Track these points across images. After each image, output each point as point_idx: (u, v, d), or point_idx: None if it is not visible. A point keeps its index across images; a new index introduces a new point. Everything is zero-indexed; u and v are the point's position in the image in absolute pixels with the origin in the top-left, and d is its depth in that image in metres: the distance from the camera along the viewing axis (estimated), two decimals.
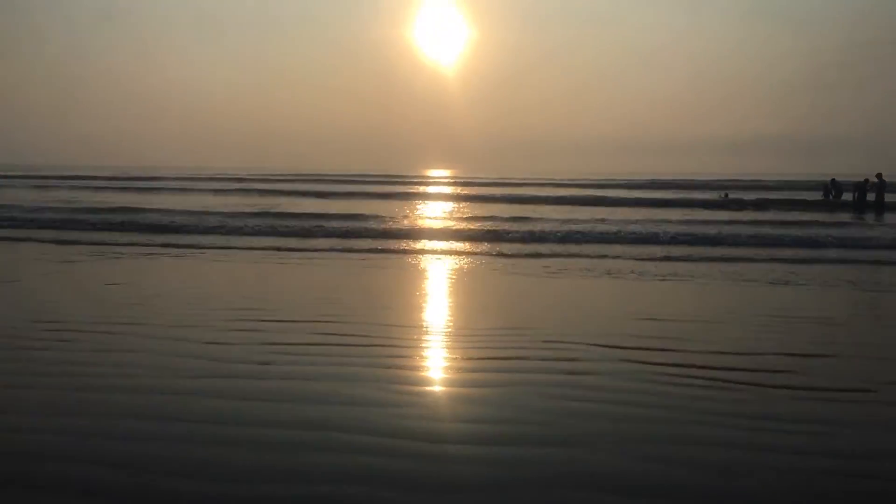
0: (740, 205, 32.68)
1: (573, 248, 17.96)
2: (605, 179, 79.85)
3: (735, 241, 18.93)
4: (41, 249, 17.16)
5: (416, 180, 79.59)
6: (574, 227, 21.75)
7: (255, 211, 27.68)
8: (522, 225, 22.63)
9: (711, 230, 20.73)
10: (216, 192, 43.78)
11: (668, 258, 16.26)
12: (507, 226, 22.25)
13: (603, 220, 23.17)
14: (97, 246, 17.81)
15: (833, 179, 39.21)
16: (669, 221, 23.49)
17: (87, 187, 50.01)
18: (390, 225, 23.04)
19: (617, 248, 18.00)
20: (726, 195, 47.80)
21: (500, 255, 16.87)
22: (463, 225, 23.65)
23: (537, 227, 22.09)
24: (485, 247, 18.29)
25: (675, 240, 19.24)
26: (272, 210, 27.96)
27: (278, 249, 17.46)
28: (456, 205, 36.54)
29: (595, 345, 7.82)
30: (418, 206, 35.04)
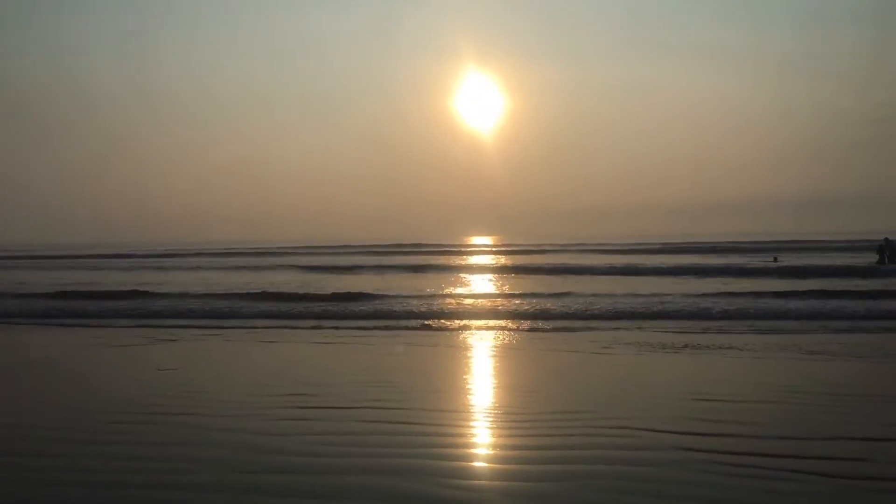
0: (793, 272, 31.53)
1: (621, 322, 17.75)
2: (650, 243, 79.28)
3: (789, 313, 18.33)
4: (95, 333, 17.50)
5: (457, 249, 79.89)
6: (620, 300, 21.52)
7: (299, 292, 27.94)
8: (567, 300, 22.47)
9: (764, 302, 20.19)
10: (255, 269, 44.23)
11: (720, 330, 15.96)
12: (550, 301, 22.10)
13: (654, 295, 22.71)
14: (150, 329, 18.08)
15: (886, 238, 38.31)
16: (717, 294, 22.98)
17: (141, 267, 51.15)
18: (432, 300, 23.05)
19: (666, 321, 17.75)
20: (776, 259, 47.17)
21: (546, 329, 16.74)
22: (507, 298, 23.58)
23: (579, 301, 21.94)
24: (530, 321, 18.17)
25: (726, 312, 18.76)
26: (319, 291, 28.16)
27: (319, 328, 17.57)
28: (499, 276, 36.52)
29: (649, 430, 7.64)
30: (460, 279, 35.06)
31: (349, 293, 23.62)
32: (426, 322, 18.20)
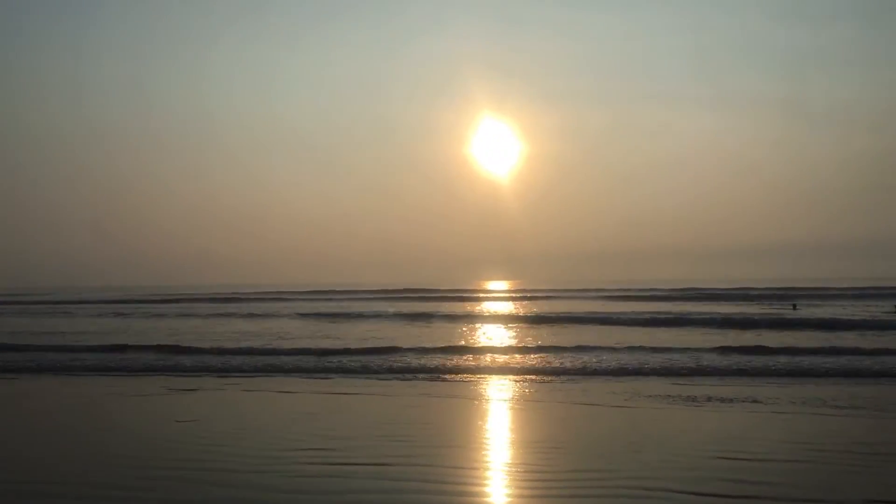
0: (816, 324, 30.57)
1: (641, 373, 17.59)
2: (670, 289, 78.77)
3: (812, 366, 17.93)
4: (115, 382, 17.54)
5: (474, 295, 79.75)
6: (641, 353, 21.38)
7: (324, 347, 27.96)
8: (586, 350, 22.33)
9: (786, 355, 19.84)
10: (267, 315, 44.09)
11: (742, 383, 15.79)
12: (568, 352, 21.97)
13: (675, 346, 22.39)
14: (170, 377, 18.10)
15: None
16: (739, 347, 22.66)
17: (168, 313, 51.35)
18: (449, 349, 22.97)
19: (688, 374, 17.58)
20: (795, 307, 46.78)
21: (565, 380, 16.61)
22: (525, 347, 23.48)
23: (598, 352, 21.81)
24: (548, 372, 18.04)
25: (748, 364, 18.51)
26: (338, 347, 28.18)
27: (327, 377, 17.54)
28: (516, 324, 36.36)
29: (671, 490, 7.54)
30: (477, 327, 34.93)
31: (374, 348, 23.42)
32: (443, 374, 18.10)
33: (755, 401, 13.48)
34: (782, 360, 18.92)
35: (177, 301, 69.53)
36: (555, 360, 19.70)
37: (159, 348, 23.92)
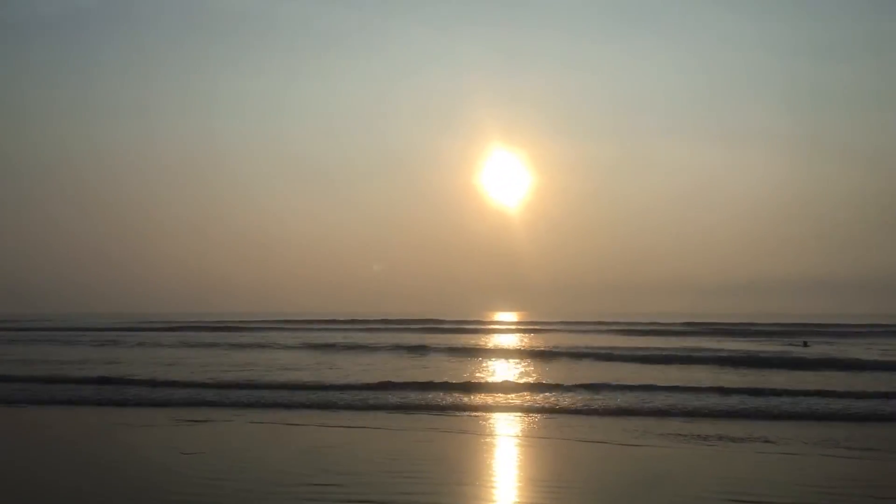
0: (828, 363, 29.71)
1: (652, 410, 17.42)
2: (679, 323, 78.38)
3: (822, 408, 17.55)
4: (121, 414, 17.50)
5: (483, 327, 79.50)
6: (651, 392, 21.20)
7: (331, 381, 27.87)
8: (596, 387, 22.18)
9: (798, 396, 19.46)
10: (274, 346, 43.69)
11: (753, 422, 15.63)
12: (579, 389, 21.79)
13: (684, 385, 22.04)
14: (177, 409, 18.04)
15: None
16: (749, 388, 22.31)
17: (174, 342, 51.37)
18: (457, 383, 22.83)
19: (698, 415, 17.40)
20: (806, 343, 46.42)
21: (574, 416, 16.47)
22: (534, 382, 23.34)
23: (608, 388, 21.66)
24: (557, 407, 17.88)
25: (758, 404, 18.25)
26: (348, 381, 28.11)
27: (335, 411, 17.45)
28: (525, 358, 36.14)
29: None
30: (486, 360, 34.73)
31: (382, 382, 23.18)
32: (449, 409, 17.96)
33: (766, 440, 13.32)
34: (793, 400, 18.66)
35: (181, 329, 69.51)
36: (562, 397, 19.54)
37: (153, 383, 23.46)
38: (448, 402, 18.89)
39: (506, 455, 12.54)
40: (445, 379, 23.39)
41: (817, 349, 41.47)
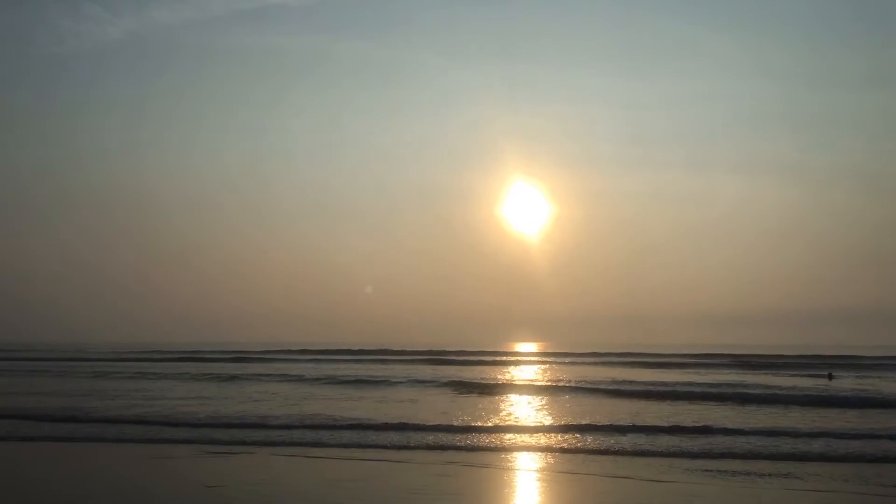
0: (856, 401, 28.22)
1: (675, 448, 17.20)
2: (702, 354, 77.50)
3: (854, 454, 16.89)
4: (144, 447, 17.54)
5: (503, 359, 79.05)
6: (677, 436, 20.88)
7: (359, 417, 27.79)
8: (621, 423, 21.91)
9: (823, 441, 18.87)
10: (299, 380, 43.26)
11: (782, 462, 15.37)
12: (602, 425, 21.54)
13: (708, 425, 21.53)
14: (196, 444, 18.06)
15: None
16: (776, 431, 21.68)
17: (200, 376, 51.67)
18: (477, 417, 22.66)
19: (725, 455, 17.14)
20: (831, 376, 45.69)
21: (597, 451, 16.28)
22: (556, 416, 23.14)
23: (632, 423, 21.38)
24: (579, 443, 17.68)
25: (780, 444, 17.85)
26: (367, 421, 28.00)
27: (363, 448, 17.36)
28: (547, 391, 35.78)
29: None
30: (505, 396, 34.33)
31: (403, 423, 22.74)
32: (471, 443, 17.80)
33: (795, 477, 13.08)
34: (819, 442, 18.16)
35: (212, 360, 69.77)
36: (586, 434, 19.30)
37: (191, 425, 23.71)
38: (469, 437, 18.72)
39: (527, 490, 12.40)
40: (467, 414, 23.23)
41: (844, 383, 40.85)
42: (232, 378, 43.40)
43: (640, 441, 17.66)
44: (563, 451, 16.44)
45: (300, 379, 43.01)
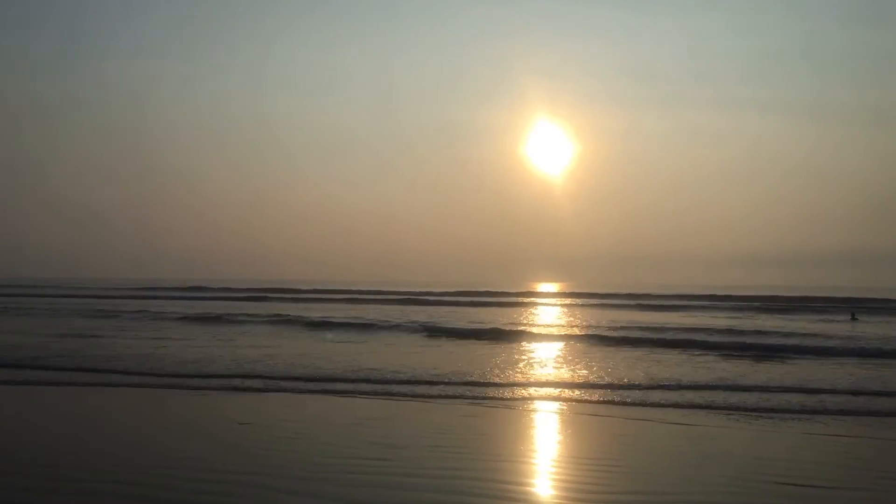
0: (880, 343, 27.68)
1: (697, 389, 17.33)
2: (722, 296, 77.22)
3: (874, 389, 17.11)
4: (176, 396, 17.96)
5: (528, 300, 79.29)
6: (695, 368, 20.97)
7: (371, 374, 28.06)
8: (641, 362, 22.02)
9: (847, 372, 19.20)
10: (321, 325, 43.53)
11: (803, 403, 15.44)
12: (623, 365, 21.65)
13: (728, 368, 21.80)
14: (224, 378, 18.44)
15: None
16: (795, 384, 21.73)
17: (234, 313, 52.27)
18: (503, 360, 22.88)
19: (746, 391, 17.25)
20: (854, 317, 45.60)
21: (618, 395, 16.46)
22: (579, 359, 23.34)
23: (653, 365, 21.53)
24: (602, 385, 17.87)
25: (808, 383, 17.97)
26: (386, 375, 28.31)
27: (382, 390, 17.66)
28: (570, 335, 36.02)
29: None
30: (532, 336, 34.64)
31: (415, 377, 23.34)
32: (494, 385, 18.06)
33: (819, 421, 13.16)
34: (844, 377, 18.38)
35: (244, 299, 70.72)
36: (608, 373, 19.51)
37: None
38: (492, 378, 18.99)
39: (551, 431, 12.59)
40: (492, 355, 23.48)
41: (865, 321, 41.03)
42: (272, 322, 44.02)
43: (669, 396, 17.82)
44: (583, 394, 16.63)
45: (321, 324, 43.56)
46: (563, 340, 30.32)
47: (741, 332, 32.93)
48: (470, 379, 18.24)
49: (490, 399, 15.56)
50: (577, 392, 16.56)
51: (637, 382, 17.80)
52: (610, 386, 17.38)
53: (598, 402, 15.30)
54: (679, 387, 17.17)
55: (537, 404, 15.15)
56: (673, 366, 20.79)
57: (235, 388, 16.56)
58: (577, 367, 20.64)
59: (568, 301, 77.21)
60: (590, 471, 9.59)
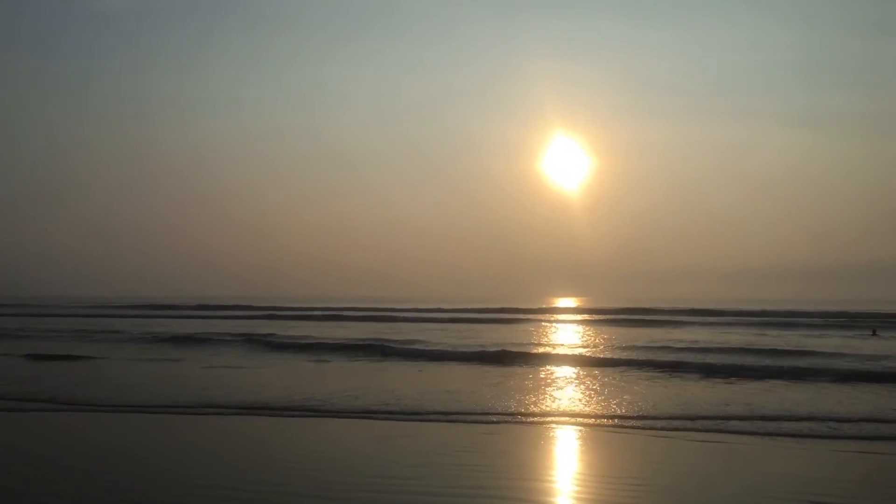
0: None
1: (721, 407, 17.20)
2: (744, 311, 76.35)
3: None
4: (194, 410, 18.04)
5: (547, 318, 78.82)
6: (719, 391, 20.79)
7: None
8: (666, 381, 21.89)
9: (867, 389, 18.97)
10: (333, 349, 43.54)
11: (828, 421, 15.30)
12: (646, 382, 21.49)
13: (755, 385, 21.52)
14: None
15: None
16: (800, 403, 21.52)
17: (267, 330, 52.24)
18: (527, 381, 22.83)
19: (763, 406, 17.11)
20: (875, 332, 44.98)
21: (645, 413, 16.37)
22: (601, 375, 23.25)
23: (678, 383, 21.41)
24: (627, 404, 17.76)
25: (834, 401, 17.81)
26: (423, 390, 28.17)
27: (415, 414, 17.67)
28: (591, 353, 35.83)
29: None
30: (553, 354, 34.48)
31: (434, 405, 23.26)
32: (518, 408, 18.01)
33: (843, 437, 13.05)
34: (863, 394, 18.17)
35: (274, 317, 70.81)
36: (631, 389, 19.42)
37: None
38: (515, 400, 18.95)
39: (575, 449, 12.55)
40: (514, 376, 23.40)
41: (886, 337, 40.60)
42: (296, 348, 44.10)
43: (690, 401, 17.72)
44: (608, 412, 16.53)
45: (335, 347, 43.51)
46: (584, 364, 30.03)
47: (760, 352, 31.87)
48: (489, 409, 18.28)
49: (512, 414, 15.52)
50: (614, 421, 16.30)
51: (668, 410, 17.68)
52: (641, 415, 17.28)
53: (614, 417, 15.20)
54: (708, 407, 17.06)
55: (558, 421, 15.11)
56: (700, 389, 20.67)
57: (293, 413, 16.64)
58: (614, 395, 20.53)
59: (591, 317, 76.28)
60: (613, 487, 9.55)
